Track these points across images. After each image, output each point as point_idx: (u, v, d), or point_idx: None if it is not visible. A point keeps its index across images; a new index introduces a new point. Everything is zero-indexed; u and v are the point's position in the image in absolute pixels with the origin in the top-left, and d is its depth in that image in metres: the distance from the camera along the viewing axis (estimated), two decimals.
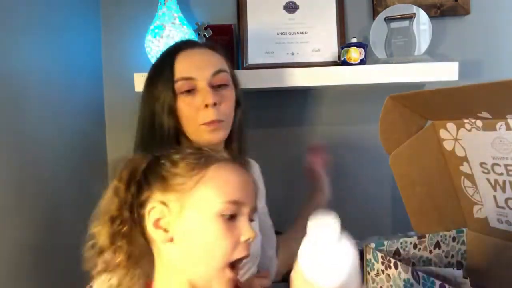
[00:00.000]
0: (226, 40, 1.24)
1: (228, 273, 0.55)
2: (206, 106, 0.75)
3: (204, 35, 1.20)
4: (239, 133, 0.86)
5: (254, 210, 0.59)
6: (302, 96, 1.31)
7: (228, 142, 0.84)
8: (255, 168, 0.96)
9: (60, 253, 0.99)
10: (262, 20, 1.26)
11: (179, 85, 0.76)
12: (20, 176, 0.86)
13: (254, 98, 1.28)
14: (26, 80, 0.89)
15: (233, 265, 0.56)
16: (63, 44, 1.06)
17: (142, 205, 0.57)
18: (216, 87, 0.78)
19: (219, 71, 0.78)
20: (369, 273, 0.72)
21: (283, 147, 1.30)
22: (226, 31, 1.24)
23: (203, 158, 0.57)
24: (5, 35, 0.82)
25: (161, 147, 0.66)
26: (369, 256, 0.72)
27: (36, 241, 0.90)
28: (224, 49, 0.85)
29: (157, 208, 0.55)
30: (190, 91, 0.77)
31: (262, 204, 0.94)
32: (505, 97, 0.60)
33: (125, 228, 0.57)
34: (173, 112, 0.76)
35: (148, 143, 0.77)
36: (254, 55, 1.25)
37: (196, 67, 0.77)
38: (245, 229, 0.56)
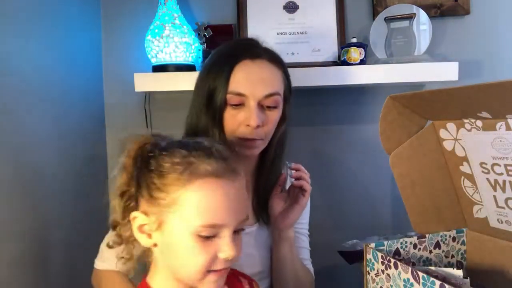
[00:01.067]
0: (226, 40, 1.24)
1: (211, 278, 0.56)
2: (248, 125, 0.75)
3: (204, 35, 1.20)
4: (279, 146, 0.85)
5: (241, 223, 0.57)
6: (302, 96, 1.31)
7: (263, 153, 0.83)
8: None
9: (60, 253, 0.99)
10: (262, 20, 1.27)
11: (229, 97, 0.75)
12: (20, 176, 0.86)
13: None
14: (26, 80, 0.89)
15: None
16: (63, 44, 1.06)
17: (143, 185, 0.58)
18: (264, 107, 0.77)
19: (273, 94, 0.76)
20: (369, 273, 0.72)
21: None
22: (226, 31, 1.25)
23: (187, 170, 0.54)
24: (5, 35, 0.82)
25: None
26: (369, 256, 0.72)
27: (36, 241, 0.90)
28: (284, 63, 0.82)
29: (140, 218, 0.57)
30: (239, 104, 0.76)
31: (301, 224, 0.91)
32: (505, 97, 0.60)
33: (132, 204, 0.59)
34: (219, 120, 0.76)
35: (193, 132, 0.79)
36: None
37: (251, 84, 0.75)
38: (224, 247, 0.55)
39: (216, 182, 0.55)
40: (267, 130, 0.78)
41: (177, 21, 1.15)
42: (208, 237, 0.54)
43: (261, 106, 0.76)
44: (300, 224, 0.91)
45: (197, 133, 0.77)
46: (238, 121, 0.76)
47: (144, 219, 0.57)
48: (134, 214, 0.58)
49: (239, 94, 0.75)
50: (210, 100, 0.77)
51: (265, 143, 0.80)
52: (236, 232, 0.57)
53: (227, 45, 0.82)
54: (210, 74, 0.78)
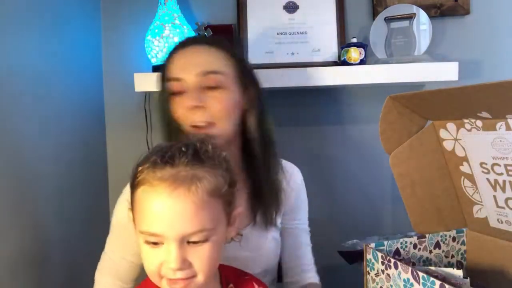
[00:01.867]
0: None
1: (166, 284, 0.55)
2: (190, 108, 0.73)
3: (204, 35, 1.20)
4: (265, 141, 0.81)
5: (188, 236, 0.53)
6: (302, 96, 1.31)
7: (246, 151, 0.81)
8: (296, 176, 0.90)
9: (60, 253, 0.99)
10: (262, 20, 1.27)
11: (169, 86, 0.76)
12: (19, 176, 0.86)
13: None
14: (26, 80, 0.89)
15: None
16: (63, 44, 1.06)
17: None
18: (206, 89, 0.74)
19: (209, 73, 0.74)
20: (369, 273, 0.72)
21: (283, 147, 1.30)
22: (226, 31, 1.25)
23: (138, 178, 0.55)
24: (5, 35, 0.82)
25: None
26: (369, 256, 0.72)
27: (36, 241, 0.90)
28: (231, 46, 0.81)
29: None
30: (180, 92, 0.75)
31: (295, 217, 0.90)
32: (505, 97, 0.60)
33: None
34: (167, 113, 0.77)
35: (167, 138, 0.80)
36: (254, 55, 1.25)
37: (184, 67, 0.75)
38: (167, 258, 0.53)
39: (152, 191, 0.53)
40: (216, 111, 0.74)
41: (177, 21, 1.15)
42: (154, 243, 0.54)
43: (200, 88, 0.74)
44: (298, 220, 0.90)
45: (166, 131, 0.80)
46: (184, 107, 0.74)
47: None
48: (128, 213, 0.61)
49: (175, 79, 0.75)
50: (160, 95, 0.79)
51: (223, 130, 0.75)
52: (194, 242, 0.54)
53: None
54: (159, 75, 0.81)
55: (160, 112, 0.81)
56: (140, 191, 0.55)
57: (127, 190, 0.74)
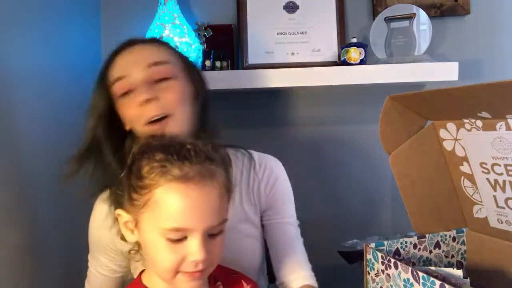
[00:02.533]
0: (226, 40, 1.24)
1: (181, 278, 0.57)
2: (142, 104, 0.69)
3: (204, 35, 1.20)
4: (202, 128, 0.76)
5: (213, 228, 0.57)
6: (302, 96, 1.31)
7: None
8: (271, 169, 0.83)
9: (59, 253, 0.99)
10: (262, 20, 1.27)
11: (114, 89, 0.71)
12: (18, 176, 0.86)
13: (254, 98, 1.28)
14: (26, 80, 0.89)
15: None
16: (63, 44, 1.06)
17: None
18: (155, 82, 0.71)
19: (156, 63, 0.71)
20: (369, 273, 0.72)
21: (283, 147, 1.30)
22: (226, 31, 1.25)
23: (158, 174, 0.55)
24: (5, 35, 0.82)
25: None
26: (369, 256, 0.72)
27: (36, 241, 0.90)
28: (164, 41, 0.79)
29: (123, 215, 0.60)
30: (127, 93, 0.71)
31: (282, 213, 0.83)
32: (505, 97, 0.60)
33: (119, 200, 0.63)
34: (104, 119, 0.72)
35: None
36: (254, 55, 1.25)
37: (128, 65, 0.71)
38: (193, 251, 0.55)
39: (181, 187, 0.54)
40: (169, 101, 0.70)
41: (177, 21, 1.15)
42: (177, 239, 0.55)
43: (149, 82, 0.70)
44: (281, 214, 0.83)
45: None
46: (134, 107, 0.70)
47: (126, 217, 0.60)
48: (117, 211, 0.61)
49: (119, 78, 0.70)
50: (95, 105, 0.74)
51: (180, 120, 0.72)
52: (212, 235, 0.57)
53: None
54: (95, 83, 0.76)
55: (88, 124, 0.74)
56: (160, 191, 0.55)
57: (98, 208, 0.77)
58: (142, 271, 0.65)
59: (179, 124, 0.71)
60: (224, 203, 0.59)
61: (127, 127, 0.74)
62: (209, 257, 0.56)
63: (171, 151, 0.56)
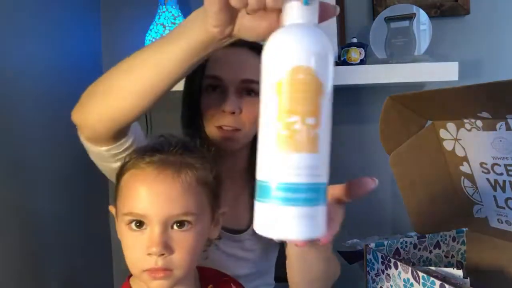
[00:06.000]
0: None
1: (146, 278, 0.54)
2: (224, 111, 0.70)
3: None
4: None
5: (172, 217, 0.53)
6: None
7: (253, 151, 0.78)
8: None
9: (59, 253, 0.99)
10: None
11: (205, 82, 0.72)
12: (18, 176, 0.86)
13: None
14: (26, 80, 0.89)
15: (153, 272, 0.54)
16: (63, 44, 1.06)
17: None
18: (243, 92, 0.72)
19: (251, 82, 0.71)
20: (369, 273, 0.73)
21: None
22: None
23: (127, 164, 0.56)
24: (5, 35, 0.82)
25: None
26: (369, 256, 0.72)
27: (35, 241, 0.90)
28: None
29: (112, 210, 0.61)
30: (215, 89, 0.72)
31: None
32: (505, 97, 0.60)
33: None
34: (196, 107, 0.73)
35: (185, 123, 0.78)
36: None
37: (227, 67, 0.71)
38: (148, 241, 0.52)
39: (141, 173, 0.54)
40: (246, 118, 0.72)
41: (177, 21, 1.15)
42: (136, 228, 0.53)
43: (238, 92, 0.71)
44: None
45: (184, 127, 0.77)
46: (214, 108, 0.71)
47: (113, 210, 0.60)
48: (110, 207, 0.62)
49: (215, 77, 0.71)
50: (188, 88, 0.75)
51: (246, 136, 0.74)
52: (178, 229, 0.54)
53: None
54: None
55: (182, 105, 0.79)
56: (127, 175, 0.56)
57: None
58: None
59: (244, 138, 0.74)
60: (194, 195, 0.55)
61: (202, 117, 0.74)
62: (169, 252, 0.52)
63: (154, 143, 0.58)
